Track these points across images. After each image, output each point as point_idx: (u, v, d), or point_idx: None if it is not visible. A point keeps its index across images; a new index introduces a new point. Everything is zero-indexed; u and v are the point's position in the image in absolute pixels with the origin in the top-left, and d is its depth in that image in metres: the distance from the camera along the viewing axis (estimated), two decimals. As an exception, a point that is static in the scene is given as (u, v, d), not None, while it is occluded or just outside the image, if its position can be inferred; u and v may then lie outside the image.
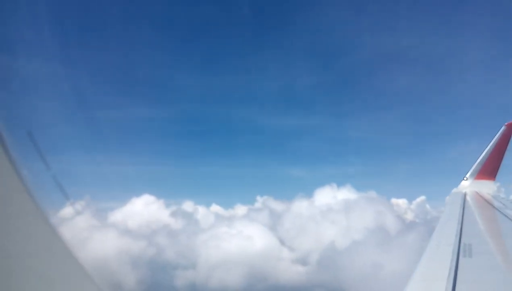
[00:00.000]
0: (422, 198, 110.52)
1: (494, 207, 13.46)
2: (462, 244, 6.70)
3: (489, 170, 18.58)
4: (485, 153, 18.82)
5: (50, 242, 1.56)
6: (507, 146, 18.50)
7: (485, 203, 14.37)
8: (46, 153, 1.74)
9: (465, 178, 18.71)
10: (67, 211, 1.97)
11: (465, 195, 15.74)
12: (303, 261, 76.60)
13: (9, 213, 1.44)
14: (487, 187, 17.95)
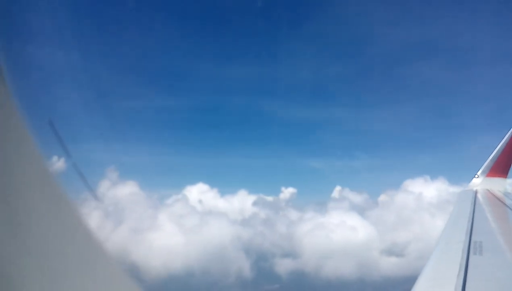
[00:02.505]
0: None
1: (505, 204, 13.31)
2: (472, 242, 6.65)
3: (501, 167, 18.31)
4: (497, 150, 18.54)
5: (74, 225, 1.60)
6: None
7: (496, 200, 14.21)
8: (68, 142, 1.78)
9: (476, 176, 18.47)
10: (88, 198, 2.01)
11: (475, 192, 15.56)
12: (400, 253, 75.75)
13: (32, 200, 1.48)
14: (499, 185, 17.70)
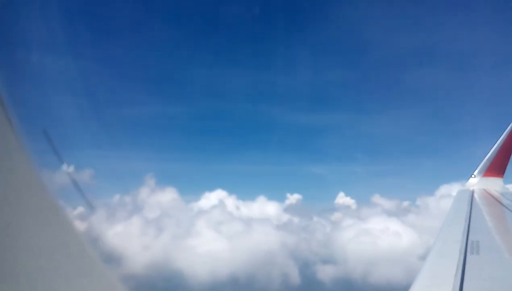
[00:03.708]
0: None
1: (502, 204, 13.37)
2: (469, 241, 6.67)
3: (498, 167, 18.40)
4: (493, 150, 18.64)
5: (66, 237, 1.60)
6: None
7: (493, 200, 14.26)
8: (62, 150, 1.78)
9: (473, 175, 18.55)
10: (82, 206, 2.01)
11: (472, 192, 15.62)
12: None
13: (25, 208, 1.47)
14: (496, 184, 17.78)
